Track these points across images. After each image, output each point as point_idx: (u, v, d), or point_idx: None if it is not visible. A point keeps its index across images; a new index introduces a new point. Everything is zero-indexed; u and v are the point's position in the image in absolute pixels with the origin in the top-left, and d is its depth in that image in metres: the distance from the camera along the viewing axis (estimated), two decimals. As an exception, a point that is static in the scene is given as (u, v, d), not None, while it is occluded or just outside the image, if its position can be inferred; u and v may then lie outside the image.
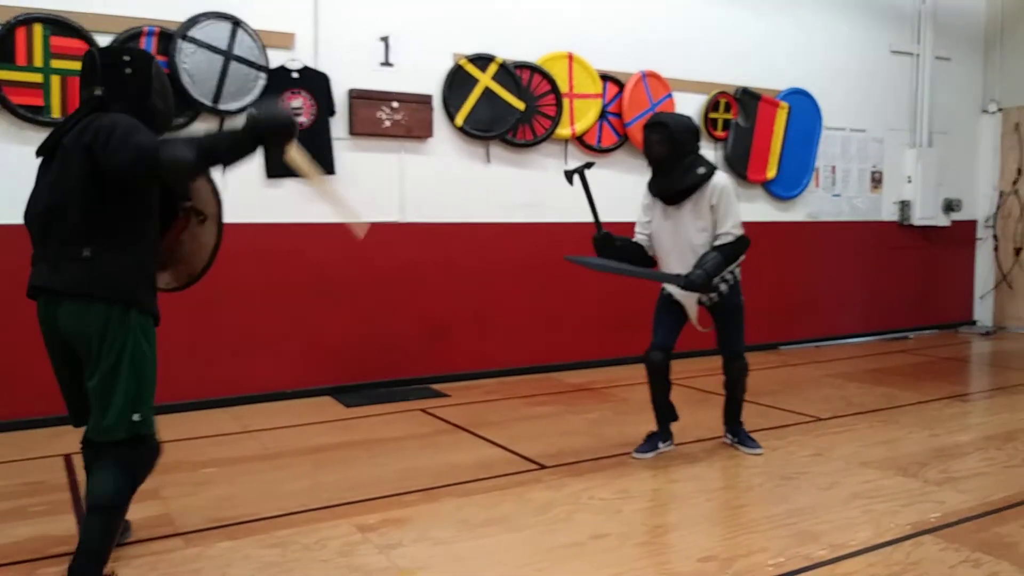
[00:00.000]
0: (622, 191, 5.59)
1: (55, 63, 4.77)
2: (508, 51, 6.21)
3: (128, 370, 2.64)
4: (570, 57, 6.47)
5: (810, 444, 4.51)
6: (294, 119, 2.65)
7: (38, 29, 4.73)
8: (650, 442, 4.30)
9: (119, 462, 2.66)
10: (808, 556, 3.01)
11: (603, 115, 6.66)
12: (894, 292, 8.47)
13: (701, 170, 4.03)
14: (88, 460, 2.82)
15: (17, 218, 2.84)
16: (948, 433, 4.78)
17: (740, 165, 7.38)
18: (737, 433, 4.38)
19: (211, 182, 2.97)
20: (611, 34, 6.66)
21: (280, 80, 5.40)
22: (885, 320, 8.46)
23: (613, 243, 4.15)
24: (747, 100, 7.35)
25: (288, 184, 5.43)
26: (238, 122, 2.68)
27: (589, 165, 4.17)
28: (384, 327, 5.86)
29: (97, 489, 2.63)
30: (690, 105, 7.04)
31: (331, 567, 2.94)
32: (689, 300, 4.17)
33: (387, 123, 5.76)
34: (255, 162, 5.37)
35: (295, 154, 2.66)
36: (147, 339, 2.72)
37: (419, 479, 3.89)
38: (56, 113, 4.77)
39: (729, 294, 4.14)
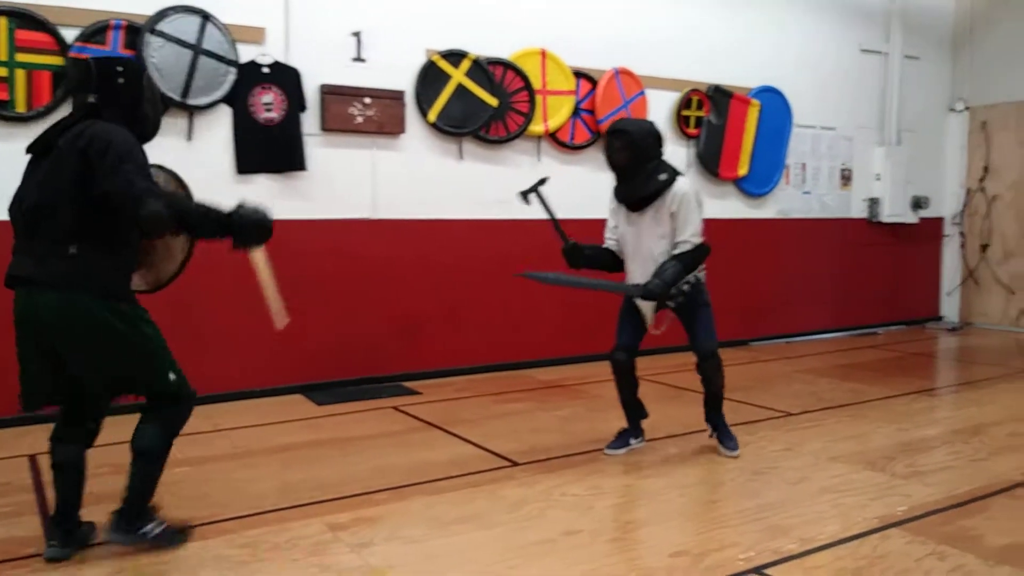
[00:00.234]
0: (595, 188, 5.56)
1: (20, 56, 4.68)
2: (481, 47, 6.19)
3: (140, 349, 2.88)
4: (543, 54, 6.47)
5: (780, 439, 4.55)
6: (271, 227, 2.96)
7: (3, 22, 4.63)
8: (621, 438, 4.31)
9: (160, 418, 2.99)
10: (778, 550, 3.04)
11: (576, 112, 6.66)
12: (863, 288, 8.57)
13: (663, 176, 3.99)
14: (58, 457, 2.94)
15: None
16: (915, 427, 4.85)
17: (712, 162, 7.42)
18: (717, 427, 4.33)
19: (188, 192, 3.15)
20: (584, 31, 6.67)
21: (250, 75, 5.34)
22: (854, 316, 8.56)
23: (583, 252, 4.12)
24: (719, 98, 7.39)
25: (259, 180, 5.39)
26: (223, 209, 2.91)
27: (543, 181, 4.13)
28: (355, 324, 5.83)
29: (139, 441, 2.96)
30: (663, 102, 7.08)
31: (302, 566, 2.93)
32: (647, 307, 4.15)
33: (359, 119, 5.72)
34: (225, 157, 5.33)
35: (260, 254, 2.98)
36: (143, 319, 2.92)
37: (391, 477, 3.88)
38: (21, 107, 4.69)
39: (692, 294, 4.07)
